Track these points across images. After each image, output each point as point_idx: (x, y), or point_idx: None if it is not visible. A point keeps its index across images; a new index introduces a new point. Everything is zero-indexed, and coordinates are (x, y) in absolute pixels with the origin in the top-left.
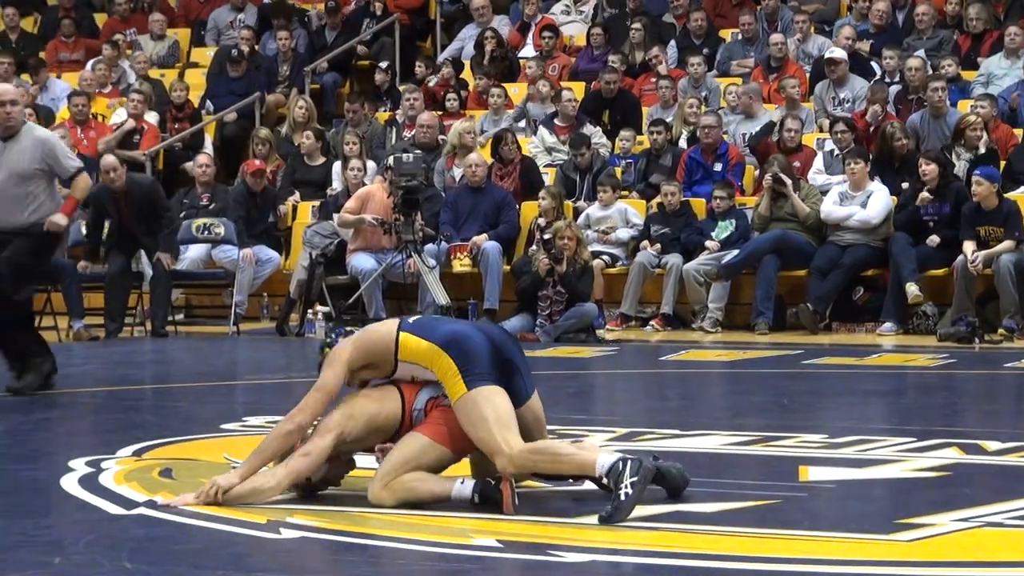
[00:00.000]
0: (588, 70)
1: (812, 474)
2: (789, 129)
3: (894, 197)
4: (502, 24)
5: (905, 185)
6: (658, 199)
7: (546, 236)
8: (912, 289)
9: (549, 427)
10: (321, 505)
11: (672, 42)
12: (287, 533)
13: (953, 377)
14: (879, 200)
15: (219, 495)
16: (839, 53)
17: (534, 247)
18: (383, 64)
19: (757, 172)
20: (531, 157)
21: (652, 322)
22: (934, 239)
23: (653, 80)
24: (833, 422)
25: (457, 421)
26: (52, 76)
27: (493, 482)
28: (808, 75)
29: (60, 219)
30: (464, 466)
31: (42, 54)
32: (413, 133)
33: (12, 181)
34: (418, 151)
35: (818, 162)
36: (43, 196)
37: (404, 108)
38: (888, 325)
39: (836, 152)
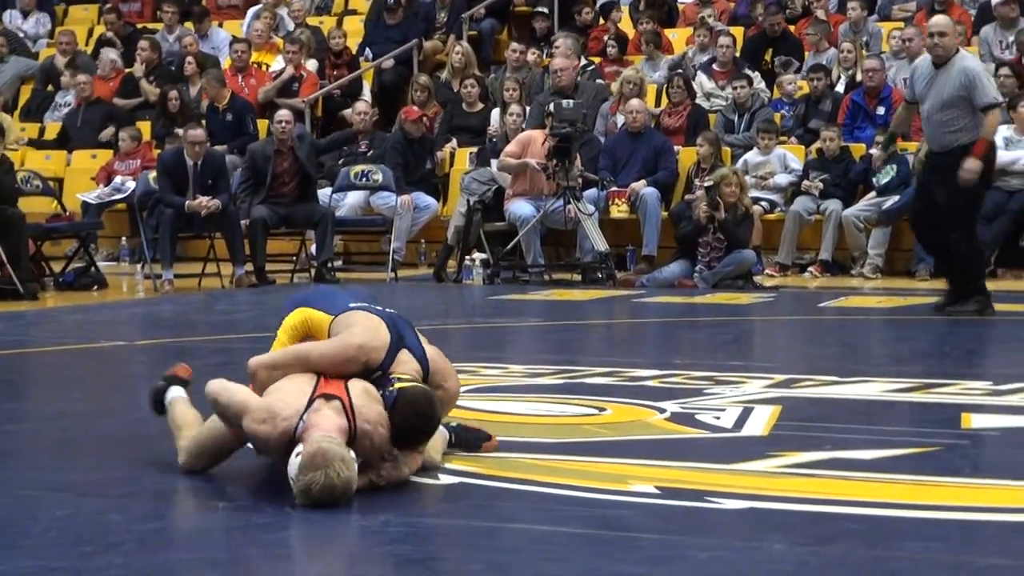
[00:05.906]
0: (747, 15)
1: (975, 422)
2: None
3: None
4: None
5: None
6: (817, 144)
7: (707, 183)
8: None
9: (709, 373)
10: (477, 452)
11: None
12: (445, 479)
13: None
14: None
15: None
16: None
17: (695, 192)
18: (543, 10)
19: None
20: (700, 105)
21: (811, 268)
22: None
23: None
24: (998, 369)
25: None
26: (214, 25)
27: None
28: (973, 18)
29: (973, 164)
30: None
31: (204, 1)
32: None
33: (938, 106)
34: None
35: None
36: (963, 122)
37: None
38: None
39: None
